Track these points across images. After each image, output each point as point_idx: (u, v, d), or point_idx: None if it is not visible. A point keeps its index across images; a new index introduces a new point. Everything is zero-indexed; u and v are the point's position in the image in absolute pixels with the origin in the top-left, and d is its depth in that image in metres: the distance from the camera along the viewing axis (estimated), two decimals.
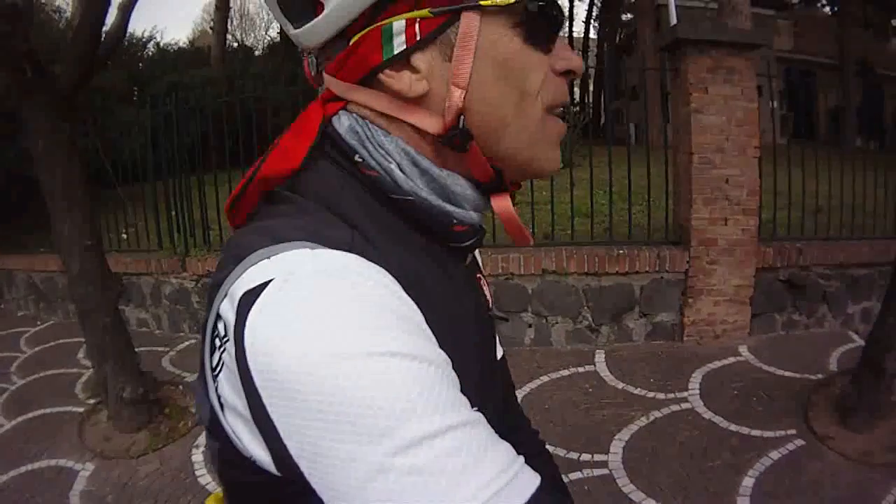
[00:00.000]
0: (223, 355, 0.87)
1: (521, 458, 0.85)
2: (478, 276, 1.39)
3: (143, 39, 26.88)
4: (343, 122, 1.08)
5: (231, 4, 38.40)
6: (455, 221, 1.10)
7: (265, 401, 0.80)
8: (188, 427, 6.54)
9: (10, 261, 12.22)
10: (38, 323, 11.13)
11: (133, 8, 6.69)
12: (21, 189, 12.79)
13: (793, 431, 5.77)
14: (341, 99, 1.10)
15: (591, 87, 56.21)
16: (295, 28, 1.08)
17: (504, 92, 1.04)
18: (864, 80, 28.57)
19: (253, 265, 0.88)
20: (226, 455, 0.94)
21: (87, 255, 6.26)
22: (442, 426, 0.77)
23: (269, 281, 0.84)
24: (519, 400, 4.72)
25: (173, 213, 9.60)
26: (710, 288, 7.76)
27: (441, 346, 0.91)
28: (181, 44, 36.02)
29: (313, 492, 0.80)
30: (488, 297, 1.41)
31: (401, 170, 1.06)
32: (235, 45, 42.94)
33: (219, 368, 0.89)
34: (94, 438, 6.43)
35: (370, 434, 0.75)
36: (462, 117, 1.03)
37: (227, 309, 0.87)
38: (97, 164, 10.72)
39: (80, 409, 7.09)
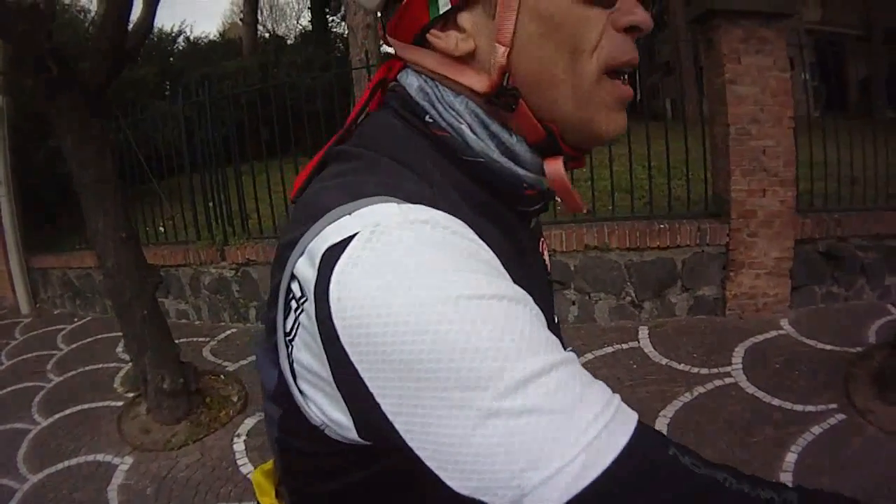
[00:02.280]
0: (300, 317, 0.85)
1: (618, 396, 0.82)
2: (540, 239, 1.38)
3: (173, 34, 26.95)
4: (412, 83, 1.09)
5: None
6: (525, 185, 1.09)
7: (353, 359, 0.78)
8: (229, 416, 6.57)
9: (44, 260, 12.36)
10: (75, 320, 11.22)
11: (158, 1, 6.68)
12: (53, 190, 12.88)
13: (834, 406, 5.74)
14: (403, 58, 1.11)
15: None
16: None
17: (551, 49, 1.00)
18: (893, 49, 28.41)
19: (333, 221, 0.86)
20: (288, 423, 0.95)
21: (121, 248, 6.27)
22: (546, 364, 0.76)
23: (354, 235, 0.82)
24: None
25: (210, 203, 9.65)
26: (750, 261, 7.74)
27: None
28: (211, 36, 36.16)
29: (391, 455, 0.81)
30: (547, 261, 1.42)
31: (472, 131, 1.05)
32: (267, 35, 42.99)
33: (294, 332, 0.87)
34: (132, 432, 6.47)
35: (477, 379, 0.73)
36: (507, 75, 1.01)
37: (306, 267, 0.85)
38: (132, 158, 10.73)
39: (119, 404, 7.14)
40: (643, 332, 7.60)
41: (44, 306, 12.65)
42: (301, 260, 0.86)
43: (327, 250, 0.82)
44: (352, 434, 0.84)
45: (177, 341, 6.85)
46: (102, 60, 6.22)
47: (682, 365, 6.75)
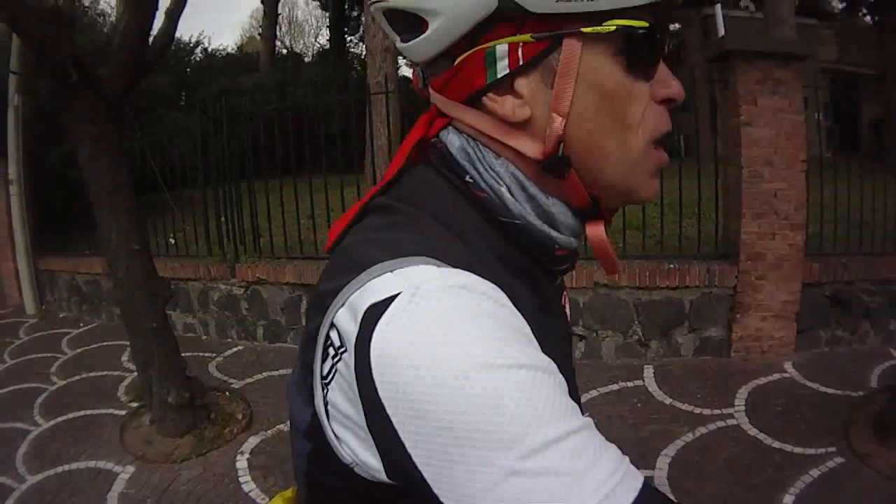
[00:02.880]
0: (338, 365, 0.89)
1: (627, 458, 0.86)
2: (564, 291, 1.41)
3: (191, 44, 27.00)
4: (454, 141, 1.11)
5: (279, 11, 38.67)
6: (557, 246, 1.12)
7: (389, 412, 0.82)
8: (233, 433, 6.56)
9: (53, 263, 12.32)
10: (81, 325, 11.20)
11: (181, 14, 6.70)
12: (65, 191, 12.88)
13: (833, 449, 5.77)
14: (446, 115, 1.12)
15: None
16: (401, 42, 1.10)
17: (605, 121, 1.04)
18: None
19: (376, 277, 0.89)
20: (318, 458, 0.98)
21: (133, 259, 6.29)
22: (565, 430, 0.80)
23: (396, 295, 0.85)
24: None
25: (222, 218, 9.64)
26: (757, 303, 7.74)
27: None
28: (229, 49, 36.27)
29: (420, 496, 0.83)
30: (569, 314, 1.46)
31: (511, 193, 1.08)
32: (284, 51, 43.06)
33: (330, 377, 0.91)
34: (135, 441, 6.46)
35: (501, 441, 0.77)
36: (562, 144, 1.04)
37: (347, 319, 0.88)
38: (145, 168, 10.75)
39: (122, 412, 7.13)
40: (648, 371, 7.61)
41: (49, 308, 12.62)
42: (342, 311, 0.90)
43: (369, 307, 0.86)
44: (380, 475, 0.88)
45: (183, 355, 6.84)
46: (122, 71, 6.25)
47: (686, 405, 6.76)
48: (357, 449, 0.89)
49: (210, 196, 9.78)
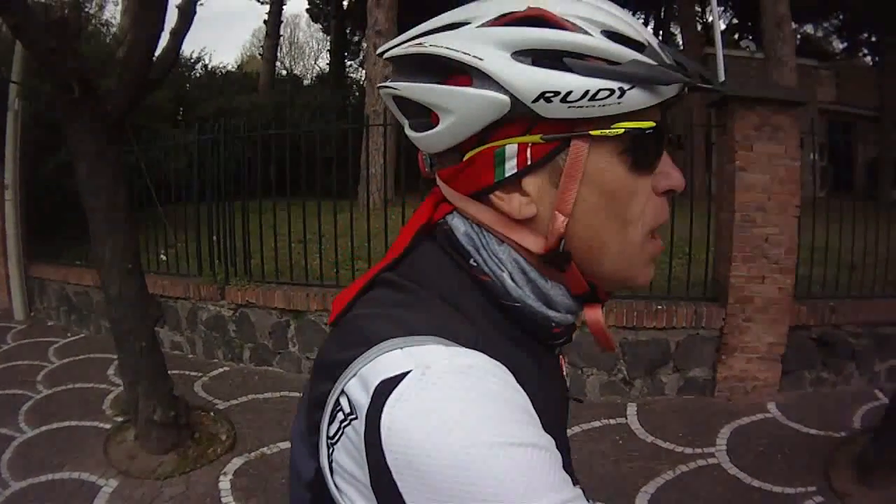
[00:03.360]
0: (346, 429, 0.93)
1: None
2: (560, 356, 1.43)
3: (192, 60, 26.94)
4: (459, 227, 1.14)
5: (281, 32, 38.64)
6: (554, 324, 1.16)
7: (396, 478, 0.86)
8: (217, 454, 6.56)
9: (43, 270, 12.35)
10: (69, 335, 11.19)
11: (186, 33, 6.70)
12: (60, 200, 12.85)
13: (813, 488, 5.81)
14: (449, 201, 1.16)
15: None
16: (409, 129, 1.14)
17: (607, 219, 1.08)
18: None
19: (386, 353, 0.94)
20: None
21: (126, 278, 6.31)
22: (556, 502, 0.84)
23: (407, 373, 0.90)
24: None
25: (214, 238, 9.64)
26: (743, 345, 7.76)
27: None
28: (229, 67, 36.02)
29: None
30: (567, 379, 1.49)
31: (512, 279, 1.11)
32: (284, 72, 42.95)
33: (337, 438, 0.95)
34: (119, 456, 6.46)
35: None
36: (563, 241, 1.08)
37: (358, 390, 0.93)
38: (140, 182, 10.75)
39: (107, 426, 7.13)
40: (632, 409, 7.63)
41: (38, 316, 12.62)
42: (353, 382, 0.94)
43: (381, 383, 0.90)
44: None
45: (169, 372, 6.85)
46: (125, 90, 6.26)
47: (668, 443, 6.78)
48: (358, 502, 0.94)
49: (203, 214, 9.78)
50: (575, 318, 1.21)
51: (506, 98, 1.00)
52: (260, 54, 37.57)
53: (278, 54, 39.70)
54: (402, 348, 0.94)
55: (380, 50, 1.19)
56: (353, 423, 0.92)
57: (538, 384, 1.07)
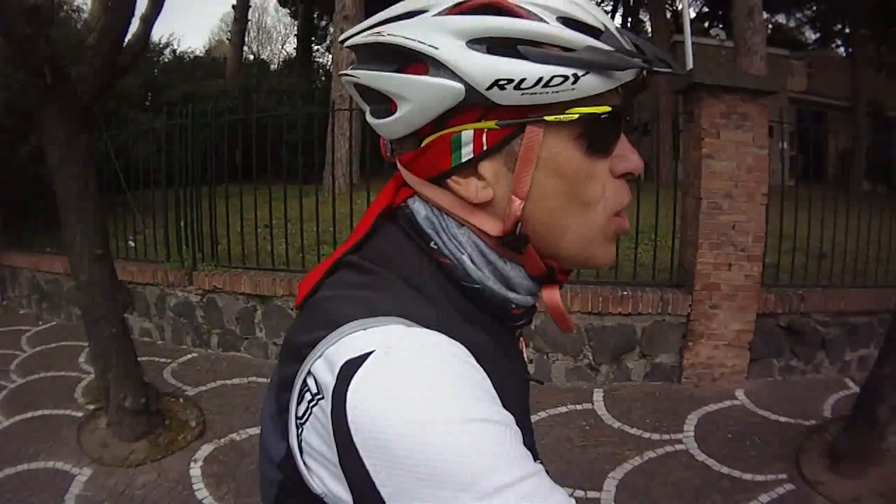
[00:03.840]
0: (314, 409, 0.96)
1: (574, 501, 0.94)
2: (521, 338, 1.47)
3: (160, 46, 26.80)
4: (420, 210, 1.16)
5: (249, 17, 38.50)
6: (514, 306, 1.18)
7: (362, 454, 0.88)
8: (187, 440, 6.54)
9: (16, 258, 12.23)
10: (41, 323, 11.12)
11: (155, 19, 6.70)
12: (31, 188, 12.78)
13: (783, 476, 5.82)
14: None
15: None
16: (370, 116, 1.16)
17: (564, 201, 1.11)
18: (875, 121, 28.54)
19: (350, 334, 0.97)
20: (289, 486, 1.05)
21: (96, 264, 6.29)
22: (517, 476, 0.87)
23: (370, 353, 0.92)
24: None
25: (182, 223, 9.60)
26: (710, 332, 7.79)
27: None
28: (197, 52, 35.84)
29: None
30: (526, 361, 1.50)
31: (472, 261, 1.14)
32: (252, 57, 42.90)
33: (305, 418, 0.97)
34: (92, 444, 6.44)
35: (461, 484, 0.84)
36: (520, 224, 1.10)
37: (324, 371, 0.95)
38: (108, 168, 10.71)
39: (80, 414, 7.10)
40: (598, 395, 7.63)
41: (10, 304, 12.54)
42: (319, 362, 0.97)
43: (346, 363, 0.92)
44: None
45: (139, 359, 6.83)
46: (96, 75, 6.25)
47: (635, 429, 6.79)
48: (328, 481, 0.96)
49: (171, 200, 9.76)
50: (535, 300, 1.23)
51: (460, 86, 1.02)
52: (228, 39, 37.43)
53: (246, 39, 39.54)
54: (365, 329, 0.96)
55: (341, 38, 1.20)
56: (320, 402, 0.95)
57: (498, 365, 1.08)
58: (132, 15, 6.29)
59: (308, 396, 0.97)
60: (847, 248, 8.80)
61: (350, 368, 0.92)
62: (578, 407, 7.33)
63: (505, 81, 1.00)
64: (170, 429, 6.69)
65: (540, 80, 1.00)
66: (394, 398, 0.89)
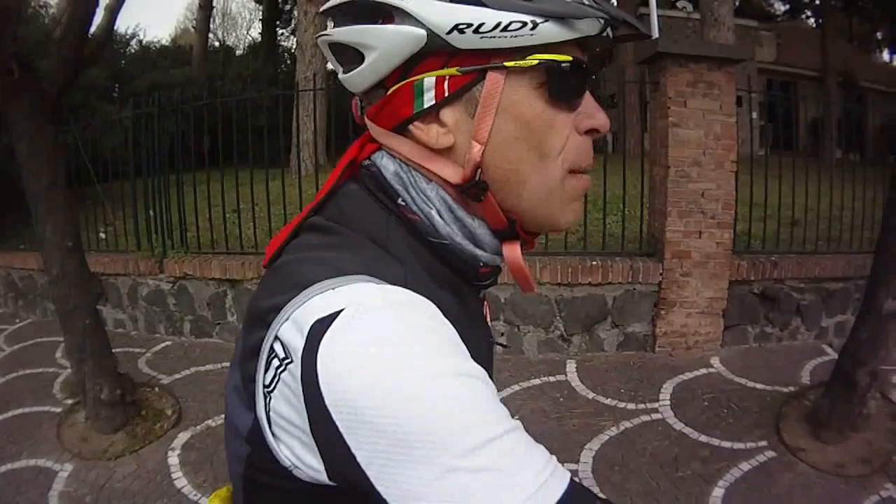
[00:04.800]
0: (282, 375, 0.95)
1: (554, 457, 0.93)
2: (485, 303, 1.48)
3: (126, 37, 27.04)
4: (388, 166, 1.18)
5: (214, 3, 38.53)
6: (481, 264, 1.20)
7: (335, 418, 0.87)
8: (164, 429, 6.54)
9: None
10: (17, 321, 11.07)
11: (120, 9, 6.73)
12: (3, 185, 12.72)
13: (764, 443, 5.84)
14: (377, 141, 1.20)
15: None
16: (342, 73, 1.18)
17: (523, 150, 1.11)
18: (846, 91, 28.71)
19: (318, 294, 0.96)
20: (257, 460, 1.04)
21: (67, 256, 6.28)
22: (499, 431, 0.87)
23: (340, 311, 0.92)
24: None
25: (151, 212, 9.59)
26: (682, 300, 7.82)
27: None
28: (163, 42, 35.97)
29: (358, 495, 0.89)
30: (489, 324, 1.51)
31: (440, 216, 1.15)
32: (217, 44, 43.03)
33: (273, 386, 0.96)
34: (72, 439, 6.43)
35: (440, 442, 0.84)
36: (479, 170, 1.12)
37: (293, 333, 0.94)
38: (78, 160, 10.68)
39: (59, 410, 7.09)
40: (571, 366, 7.64)
41: None
42: (287, 325, 0.96)
43: (316, 322, 0.92)
44: (321, 476, 0.94)
45: (114, 351, 6.85)
46: (61, 67, 6.26)
47: (609, 399, 6.80)
48: (299, 451, 0.95)
49: (139, 190, 9.77)
50: (501, 260, 1.24)
51: (423, 32, 1.05)
52: (193, 27, 37.47)
53: (211, 26, 39.69)
54: (333, 288, 0.96)
55: (322, 8, 1.22)
56: (289, 367, 0.94)
57: (463, 325, 1.09)
58: (96, 5, 6.31)
59: (276, 363, 0.96)
60: (820, 215, 8.84)
61: (320, 328, 0.91)
62: (552, 379, 7.34)
63: (464, 25, 1.03)
64: (146, 419, 6.69)
65: (498, 24, 1.03)
66: (366, 355, 0.88)
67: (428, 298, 1.02)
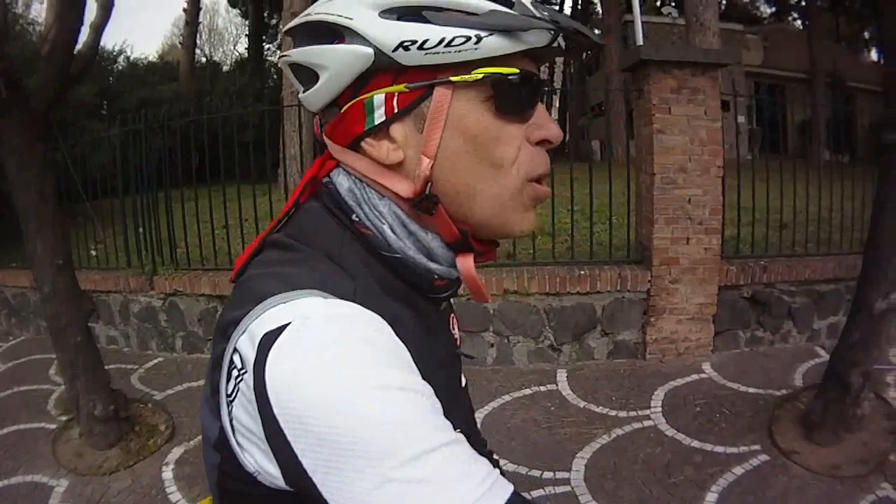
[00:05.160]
0: (240, 385, 0.98)
1: (497, 470, 0.95)
2: (451, 315, 1.51)
3: (114, 53, 26.86)
4: (343, 183, 1.21)
5: (200, 19, 38.53)
6: (436, 276, 1.22)
7: (282, 426, 0.90)
8: (157, 445, 6.55)
9: None
10: (11, 338, 11.06)
11: (105, 27, 6.75)
12: None
13: (757, 447, 5.82)
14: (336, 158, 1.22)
15: (556, 105, 56.62)
16: (302, 93, 1.21)
17: (473, 163, 1.14)
18: (835, 92, 28.74)
19: (271, 308, 0.99)
20: (227, 468, 1.05)
21: (58, 274, 6.28)
22: (435, 444, 0.89)
23: (287, 324, 0.95)
24: (481, 419, 4.65)
25: (140, 229, 9.62)
26: (672, 306, 7.82)
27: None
28: (151, 58, 35.84)
29: (314, 501, 0.90)
30: (457, 335, 1.53)
31: (392, 231, 1.18)
32: (204, 59, 43.05)
33: (234, 395, 0.99)
34: (67, 455, 6.43)
35: (377, 452, 0.86)
36: (430, 184, 1.14)
37: (247, 345, 0.97)
38: (67, 179, 10.68)
39: (53, 426, 7.09)
40: (561, 375, 7.64)
41: None
42: (243, 338, 0.99)
43: (265, 335, 0.95)
44: (280, 482, 0.96)
45: (107, 367, 6.84)
46: (49, 84, 6.27)
47: (601, 408, 6.80)
48: (259, 458, 0.97)
49: (129, 207, 9.78)
50: (458, 273, 1.26)
51: (370, 50, 1.08)
52: (180, 43, 37.38)
53: (198, 41, 39.75)
54: (285, 302, 0.99)
55: (283, 30, 1.26)
56: (244, 378, 0.97)
57: (420, 339, 1.13)
58: (81, 23, 6.32)
59: (235, 373, 1.00)
60: (809, 218, 8.84)
61: (268, 341, 0.94)
62: (542, 388, 7.33)
63: (409, 42, 1.07)
64: (140, 434, 6.70)
65: (442, 40, 1.06)
66: (308, 367, 0.91)
67: (379, 312, 1.04)
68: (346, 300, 1.02)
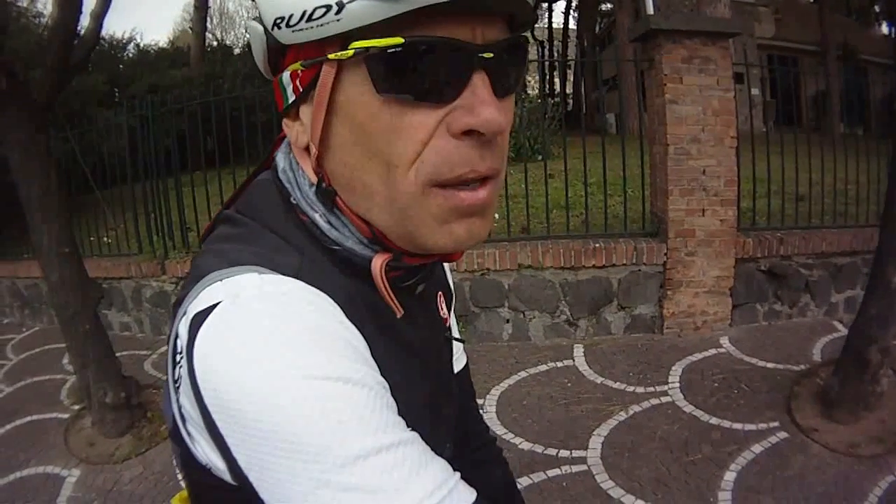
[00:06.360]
0: (181, 370, 0.91)
1: (457, 475, 0.87)
2: (438, 295, 1.40)
3: (123, 41, 27.14)
4: (280, 162, 1.14)
5: (210, 3, 38.69)
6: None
7: (214, 417, 0.84)
8: (169, 431, 6.49)
9: None
10: (24, 329, 11.14)
11: (105, 15, 6.77)
12: (3, 196, 12.73)
13: (776, 424, 5.75)
14: None
15: (570, 78, 56.76)
16: None
17: (363, 157, 0.98)
18: (847, 65, 28.63)
19: (208, 286, 0.93)
20: (186, 459, 0.97)
21: (64, 263, 6.31)
22: (374, 446, 0.80)
23: (218, 303, 0.88)
24: (496, 396, 4.56)
25: (152, 215, 9.63)
26: (689, 279, 7.76)
27: (384, 373, 0.94)
28: (161, 44, 36.12)
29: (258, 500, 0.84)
30: (444, 316, 1.42)
31: (325, 220, 1.07)
32: (215, 43, 43.16)
33: (178, 382, 0.92)
34: (79, 444, 6.46)
35: (308, 452, 0.78)
36: (322, 175, 1.05)
37: (184, 327, 0.91)
38: (77, 168, 10.68)
39: (66, 416, 7.11)
40: (578, 351, 7.59)
41: None
42: (182, 320, 0.92)
43: (195, 316, 0.89)
44: (227, 476, 0.89)
45: (119, 354, 6.87)
46: (50, 75, 6.27)
47: (618, 383, 6.75)
48: (208, 451, 0.91)
49: (140, 193, 9.82)
50: (424, 257, 1.11)
51: (261, 27, 1.03)
52: (190, 28, 37.42)
53: (209, 25, 39.94)
54: (220, 280, 0.93)
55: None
56: (182, 362, 0.90)
57: (385, 322, 1.08)
58: (80, 11, 6.32)
59: (178, 358, 0.93)
60: (825, 190, 8.76)
61: (197, 322, 0.88)
62: (559, 364, 7.29)
63: (279, 19, 0.95)
64: (152, 421, 6.71)
65: (304, 13, 0.91)
66: (233, 352, 0.84)
67: (329, 290, 0.97)
68: (289, 276, 0.95)
